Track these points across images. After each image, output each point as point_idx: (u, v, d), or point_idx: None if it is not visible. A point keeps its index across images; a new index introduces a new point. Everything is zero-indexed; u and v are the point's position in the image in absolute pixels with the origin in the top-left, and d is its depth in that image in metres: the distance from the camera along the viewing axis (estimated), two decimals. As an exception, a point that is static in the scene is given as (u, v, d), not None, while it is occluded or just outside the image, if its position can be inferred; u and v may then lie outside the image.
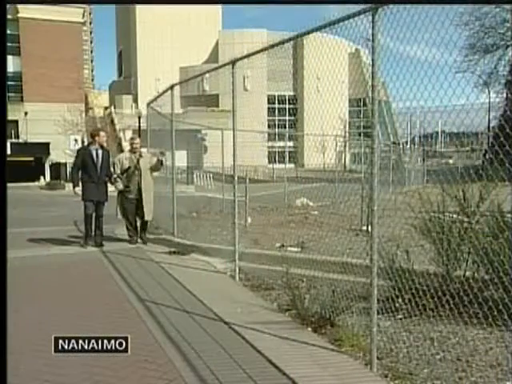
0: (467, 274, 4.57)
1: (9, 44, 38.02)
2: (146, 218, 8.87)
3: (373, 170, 3.57)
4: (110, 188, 8.92)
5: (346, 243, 7.10)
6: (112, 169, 8.98)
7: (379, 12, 3.41)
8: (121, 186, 8.78)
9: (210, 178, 26.51)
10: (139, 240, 9.00)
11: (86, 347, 4.07)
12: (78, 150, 9.03)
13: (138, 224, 9.11)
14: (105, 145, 8.85)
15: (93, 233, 8.64)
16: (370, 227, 3.80)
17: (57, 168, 40.65)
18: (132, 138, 9.62)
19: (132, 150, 9.11)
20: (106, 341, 4.19)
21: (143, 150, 9.80)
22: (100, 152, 8.54)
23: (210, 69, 7.70)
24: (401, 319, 4.42)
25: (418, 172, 20.74)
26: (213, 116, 42.56)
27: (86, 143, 46.08)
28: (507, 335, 3.99)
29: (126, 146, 42.45)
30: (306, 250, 7.34)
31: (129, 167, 8.82)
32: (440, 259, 4.76)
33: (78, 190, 8.44)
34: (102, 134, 8.84)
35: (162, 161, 8.97)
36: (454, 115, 3.34)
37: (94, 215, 8.54)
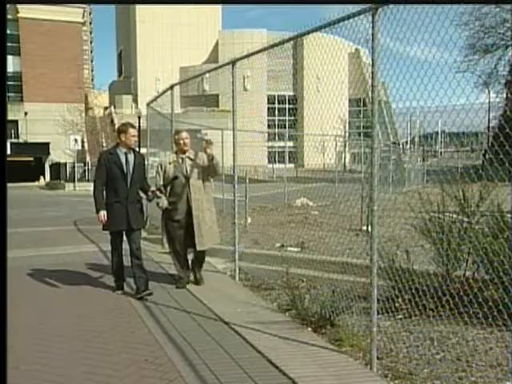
0: (467, 273, 4.58)
1: (9, 44, 38.08)
2: (198, 247, 6.00)
3: (373, 170, 3.57)
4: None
5: (345, 243, 7.11)
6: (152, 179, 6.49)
7: (379, 12, 3.41)
8: (164, 202, 5.99)
9: (209, 178, 26.46)
10: (191, 278, 6.26)
11: (86, 347, 4.08)
12: (101, 156, 5.88)
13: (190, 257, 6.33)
14: (134, 145, 5.91)
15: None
16: (369, 227, 3.80)
17: (57, 168, 40.71)
18: (178, 132, 6.30)
19: (180, 151, 6.14)
20: (106, 341, 4.20)
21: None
22: (131, 157, 5.75)
23: (209, 69, 7.69)
24: (401, 319, 4.42)
25: (417, 172, 20.79)
26: (213, 116, 42.60)
27: (86, 143, 45.87)
28: (507, 335, 3.99)
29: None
30: (305, 250, 7.35)
31: (175, 176, 6.04)
32: (440, 259, 4.76)
33: (104, 214, 5.61)
34: (131, 130, 5.80)
35: (213, 157, 5.96)
36: (454, 115, 3.35)
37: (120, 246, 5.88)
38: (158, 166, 6.30)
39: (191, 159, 6.10)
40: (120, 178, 5.65)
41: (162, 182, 6.09)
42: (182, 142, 6.09)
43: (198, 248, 6.00)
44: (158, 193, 5.90)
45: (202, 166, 6.05)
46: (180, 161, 6.10)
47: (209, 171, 6.08)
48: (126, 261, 5.83)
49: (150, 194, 5.91)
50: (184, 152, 6.12)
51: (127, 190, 5.67)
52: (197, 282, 6.18)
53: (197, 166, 6.07)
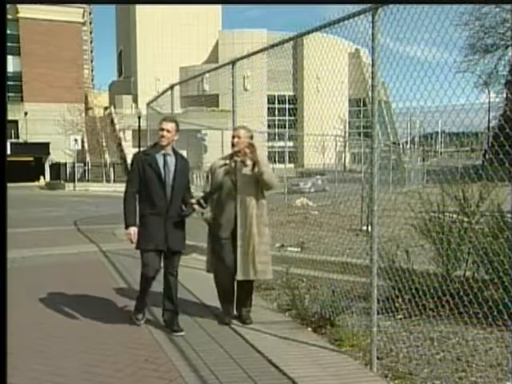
0: (467, 273, 4.58)
1: (9, 44, 38.10)
2: (239, 275, 4.67)
3: (373, 169, 3.57)
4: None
5: (345, 243, 7.11)
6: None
7: (379, 12, 3.42)
8: (208, 215, 4.82)
9: (209, 178, 26.42)
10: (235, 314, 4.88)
11: (86, 347, 4.07)
12: (134, 157, 4.72)
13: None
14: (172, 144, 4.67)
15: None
16: (369, 227, 3.80)
17: (57, 168, 40.77)
18: (236, 130, 4.88)
19: (234, 153, 4.76)
20: (106, 341, 4.20)
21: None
22: (171, 161, 4.58)
23: (209, 69, 7.70)
24: (401, 319, 4.42)
25: (417, 172, 20.80)
26: (213, 116, 42.59)
27: (86, 143, 45.90)
28: (507, 335, 3.99)
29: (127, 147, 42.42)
30: (305, 250, 7.35)
31: (220, 184, 4.73)
32: (440, 259, 4.77)
33: (135, 231, 4.49)
34: (169, 125, 4.58)
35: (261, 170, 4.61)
36: (454, 115, 3.35)
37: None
38: (209, 169, 5.03)
39: (245, 163, 4.69)
40: (157, 185, 4.47)
41: (208, 190, 4.81)
42: (235, 140, 4.72)
43: (239, 277, 4.67)
44: (196, 207, 4.63)
45: (254, 175, 4.66)
46: (232, 165, 4.74)
47: (261, 183, 4.69)
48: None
49: (187, 207, 4.64)
50: (237, 154, 4.72)
51: (166, 201, 4.48)
52: (242, 320, 4.77)
53: (250, 174, 4.68)
